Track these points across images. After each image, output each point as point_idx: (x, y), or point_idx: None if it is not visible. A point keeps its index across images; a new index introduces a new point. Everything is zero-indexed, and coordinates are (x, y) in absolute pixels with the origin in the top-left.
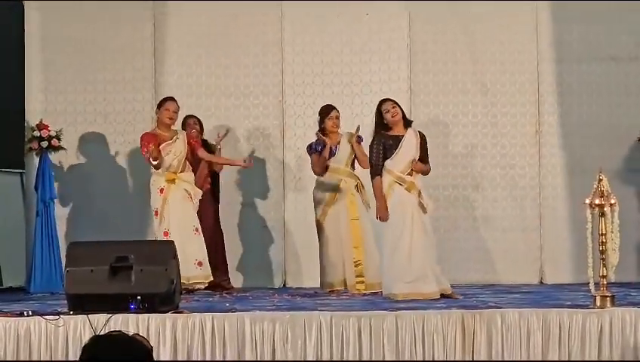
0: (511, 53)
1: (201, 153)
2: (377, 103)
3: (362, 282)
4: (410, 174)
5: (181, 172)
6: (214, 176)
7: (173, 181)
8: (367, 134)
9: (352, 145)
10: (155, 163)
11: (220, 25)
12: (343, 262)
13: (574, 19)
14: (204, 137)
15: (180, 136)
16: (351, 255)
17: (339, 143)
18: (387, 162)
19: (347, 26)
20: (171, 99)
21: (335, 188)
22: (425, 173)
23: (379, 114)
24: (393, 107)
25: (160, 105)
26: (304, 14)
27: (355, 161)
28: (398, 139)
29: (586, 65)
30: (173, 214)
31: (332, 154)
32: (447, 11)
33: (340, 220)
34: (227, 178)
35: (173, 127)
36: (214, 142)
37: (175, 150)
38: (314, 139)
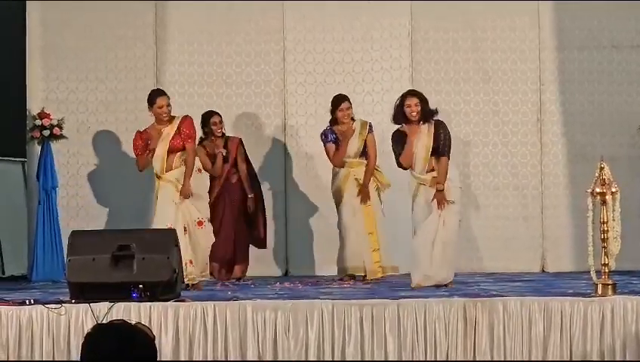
0: (512, 41)
1: (188, 148)
2: (404, 92)
3: (380, 266)
4: (430, 170)
5: (165, 172)
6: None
7: (159, 182)
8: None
9: (364, 138)
10: (140, 169)
11: (221, 13)
12: (360, 248)
13: (576, 7)
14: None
15: (166, 130)
16: (367, 241)
17: (348, 134)
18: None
19: (348, 14)
20: (160, 93)
21: (345, 177)
22: (442, 174)
23: (401, 104)
24: (416, 105)
25: (151, 101)
26: (305, 2)
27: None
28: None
29: (587, 53)
30: (159, 214)
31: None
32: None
33: (354, 208)
34: None
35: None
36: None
37: (157, 150)
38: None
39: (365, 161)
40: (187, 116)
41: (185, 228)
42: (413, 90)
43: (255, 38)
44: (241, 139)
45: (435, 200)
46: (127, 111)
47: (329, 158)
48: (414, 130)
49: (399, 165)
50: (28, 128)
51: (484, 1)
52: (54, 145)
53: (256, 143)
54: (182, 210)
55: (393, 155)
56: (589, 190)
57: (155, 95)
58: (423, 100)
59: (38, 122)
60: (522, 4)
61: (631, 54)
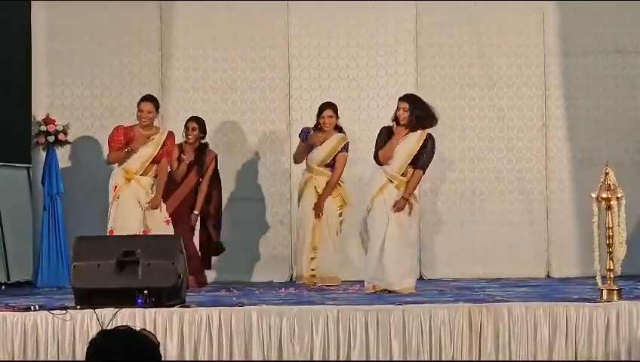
0: (517, 47)
1: (163, 162)
2: (402, 95)
3: (314, 275)
4: (404, 174)
5: (141, 175)
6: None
7: (129, 181)
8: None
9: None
10: (109, 161)
11: (226, 19)
12: (307, 256)
13: (580, 12)
14: (206, 138)
15: (155, 138)
16: (308, 249)
17: (322, 142)
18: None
19: (353, 19)
20: (147, 98)
21: (306, 182)
22: (412, 185)
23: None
24: (404, 110)
25: (138, 103)
26: (310, 8)
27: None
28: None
29: (592, 58)
30: (121, 216)
31: (310, 148)
32: (453, 5)
33: (301, 213)
34: (233, 172)
35: (155, 126)
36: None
37: (142, 152)
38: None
39: (330, 174)
40: (171, 132)
41: (141, 234)
42: (407, 95)
43: (260, 44)
44: (216, 156)
45: (396, 205)
46: (132, 116)
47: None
48: (402, 132)
49: (375, 158)
50: (33, 134)
51: (489, 7)
52: (59, 151)
53: (260, 149)
54: (146, 212)
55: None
56: (595, 195)
57: (143, 99)
58: (416, 107)
59: (43, 128)
60: (527, 10)
61: (636, 59)
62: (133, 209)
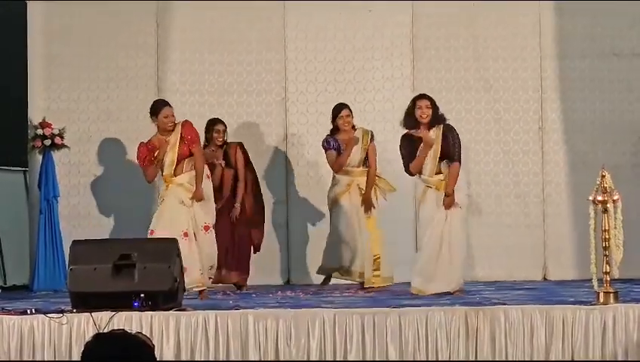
0: (514, 50)
1: (195, 152)
2: (415, 96)
3: (378, 276)
4: (438, 173)
5: (175, 175)
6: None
7: (167, 186)
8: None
9: (366, 148)
10: (149, 180)
11: (222, 21)
12: (351, 253)
13: (577, 15)
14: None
15: (171, 139)
16: (369, 249)
17: (347, 143)
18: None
19: (350, 22)
20: (164, 104)
21: (348, 186)
22: (452, 179)
23: (412, 106)
24: (427, 107)
25: (156, 111)
26: (307, 11)
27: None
28: (421, 141)
29: (588, 61)
30: (162, 217)
31: (339, 150)
32: (450, 8)
33: (352, 214)
34: None
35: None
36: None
37: (166, 156)
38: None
39: (367, 170)
40: (186, 121)
41: (194, 233)
42: (424, 94)
43: (256, 47)
44: (240, 144)
45: (444, 204)
46: (128, 120)
47: (330, 165)
48: (423, 134)
49: (407, 170)
50: (29, 137)
51: (486, 10)
52: (55, 155)
53: (257, 152)
54: (190, 213)
55: (397, 161)
56: (591, 198)
57: (161, 105)
58: (434, 104)
59: (40, 131)
60: (523, 13)
61: (632, 62)
62: (175, 210)
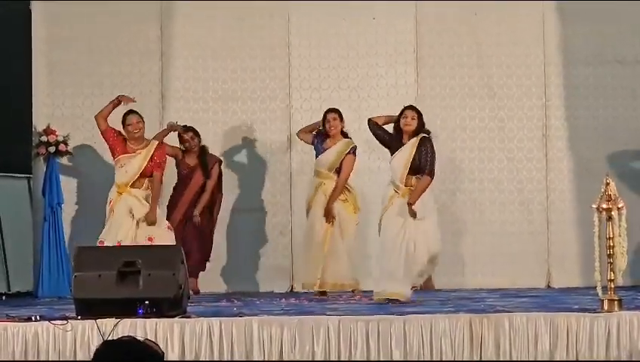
0: (517, 57)
1: (156, 176)
2: (403, 107)
3: (323, 283)
4: (407, 185)
5: (132, 186)
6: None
7: (120, 194)
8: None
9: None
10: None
11: (226, 29)
12: (316, 263)
13: (581, 23)
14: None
15: (142, 152)
16: (321, 256)
17: (329, 147)
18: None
19: (353, 30)
20: (130, 112)
21: (315, 190)
22: (417, 191)
23: (400, 115)
24: (412, 118)
25: (123, 121)
26: (311, 18)
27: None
28: (400, 145)
29: (592, 69)
30: (113, 227)
31: (318, 151)
32: (453, 15)
33: (317, 221)
34: (234, 183)
35: (147, 139)
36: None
37: (129, 166)
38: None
39: (336, 178)
40: (160, 143)
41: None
42: (411, 105)
43: (260, 54)
44: (220, 161)
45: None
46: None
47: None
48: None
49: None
50: (33, 144)
51: (489, 17)
52: (60, 162)
53: (261, 159)
54: (136, 224)
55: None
56: (595, 205)
57: (126, 113)
58: (420, 116)
59: (44, 138)
60: (527, 20)
61: (636, 69)
62: (124, 220)
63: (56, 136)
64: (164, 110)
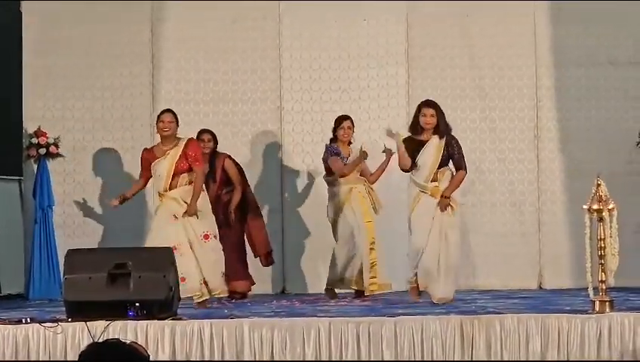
0: (509, 58)
1: (196, 170)
2: (420, 102)
3: (375, 283)
4: (434, 180)
5: (168, 190)
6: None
7: (161, 200)
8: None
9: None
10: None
11: (217, 30)
12: (354, 262)
13: (572, 24)
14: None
15: (171, 152)
16: (367, 256)
17: (349, 154)
18: (412, 174)
19: (345, 31)
20: (165, 111)
21: (346, 193)
22: (453, 185)
23: (417, 112)
24: (432, 116)
25: (157, 117)
26: (302, 20)
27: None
28: (422, 145)
29: (584, 70)
30: (155, 232)
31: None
32: (444, 16)
33: (351, 222)
34: None
35: (177, 135)
36: None
37: (160, 169)
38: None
39: (364, 179)
40: (192, 138)
41: (175, 247)
42: (429, 100)
43: (251, 56)
44: (228, 156)
45: (440, 205)
46: (123, 129)
47: (336, 170)
48: (424, 139)
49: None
50: (24, 146)
51: (481, 18)
52: (50, 164)
53: (252, 161)
54: (184, 225)
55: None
56: (586, 206)
57: (162, 111)
58: (440, 112)
59: (35, 140)
60: (519, 21)
61: (628, 71)
62: (167, 225)
63: (47, 138)
64: (155, 112)
